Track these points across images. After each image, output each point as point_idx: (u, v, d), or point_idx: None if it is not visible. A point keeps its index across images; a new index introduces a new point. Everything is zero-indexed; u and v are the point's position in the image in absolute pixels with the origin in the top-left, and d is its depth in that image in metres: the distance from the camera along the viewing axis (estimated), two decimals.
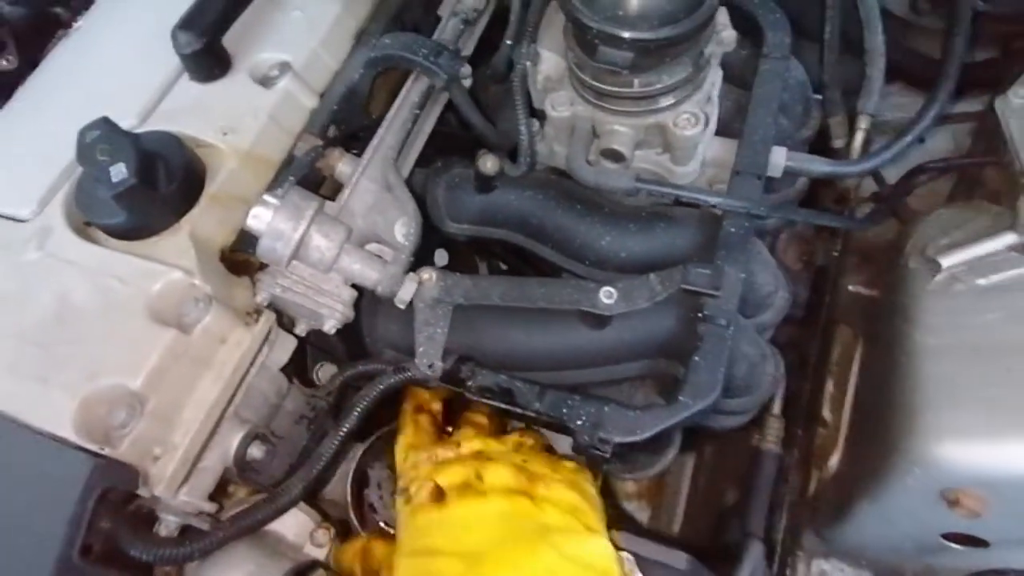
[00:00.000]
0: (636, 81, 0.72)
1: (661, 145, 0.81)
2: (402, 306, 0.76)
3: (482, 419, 0.81)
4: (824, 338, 1.18)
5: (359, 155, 0.80)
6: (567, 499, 0.69)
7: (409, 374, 0.77)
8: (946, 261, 0.88)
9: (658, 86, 0.73)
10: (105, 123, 0.67)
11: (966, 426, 0.78)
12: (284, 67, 0.82)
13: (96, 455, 0.58)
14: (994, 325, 0.82)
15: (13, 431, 0.59)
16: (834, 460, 1.09)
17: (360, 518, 0.80)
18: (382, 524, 0.80)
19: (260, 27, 0.84)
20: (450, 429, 0.81)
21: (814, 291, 1.28)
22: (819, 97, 1.11)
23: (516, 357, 0.81)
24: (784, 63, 0.91)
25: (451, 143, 0.99)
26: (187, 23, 0.75)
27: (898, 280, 0.96)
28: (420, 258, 0.81)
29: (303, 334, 0.77)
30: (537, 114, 0.88)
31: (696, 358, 0.71)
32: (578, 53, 0.74)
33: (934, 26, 1.18)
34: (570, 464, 0.75)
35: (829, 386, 1.15)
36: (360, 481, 0.84)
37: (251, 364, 0.70)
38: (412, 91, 0.83)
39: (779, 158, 0.86)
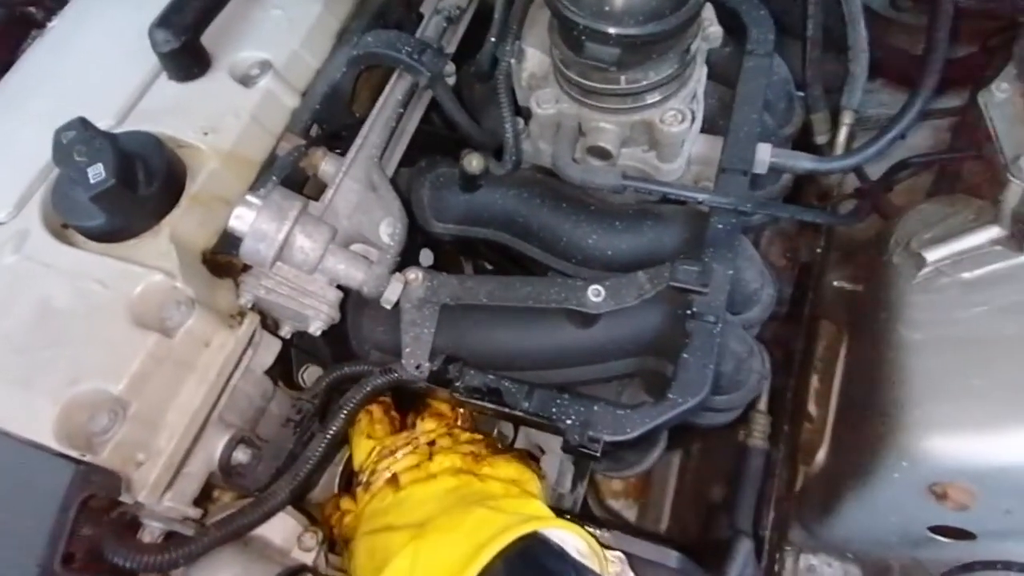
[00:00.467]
0: (623, 78, 0.72)
1: (647, 142, 0.81)
2: (388, 307, 0.75)
3: (444, 408, 0.82)
4: (808, 334, 1.18)
5: (343, 154, 0.79)
6: (509, 472, 0.74)
7: (396, 375, 0.76)
8: (930, 255, 0.89)
9: (644, 83, 0.73)
10: (82, 123, 0.66)
11: (954, 419, 0.78)
12: (265, 66, 0.81)
13: (77, 462, 0.57)
14: (980, 319, 0.83)
15: None
16: (820, 455, 1.09)
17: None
18: None
19: (240, 26, 0.83)
20: (418, 417, 0.81)
21: (798, 287, 1.29)
22: (801, 94, 1.12)
23: (503, 357, 0.80)
24: (768, 60, 0.91)
25: (435, 142, 0.99)
26: (165, 21, 0.73)
27: (883, 275, 0.97)
28: (405, 258, 0.81)
29: (288, 336, 0.76)
30: (522, 112, 0.88)
31: (685, 355, 0.71)
32: (564, 50, 0.74)
33: (914, 23, 1.19)
34: (515, 453, 0.79)
35: (814, 381, 1.16)
36: (348, 482, 0.83)
37: (235, 367, 0.69)
38: (396, 89, 0.83)
39: (764, 155, 0.86)
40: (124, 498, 0.61)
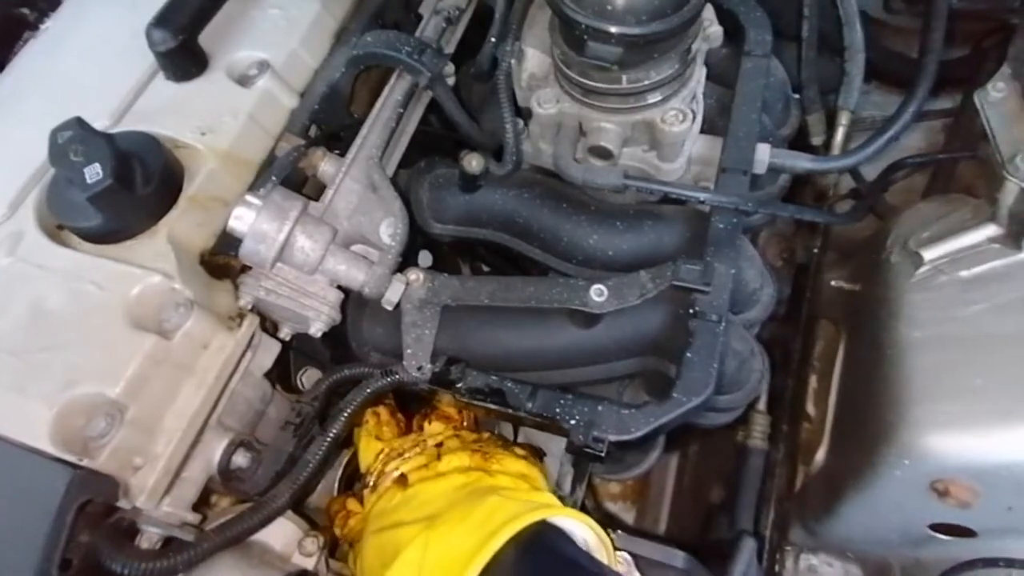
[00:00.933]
0: (624, 77, 0.72)
1: (648, 142, 0.81)
2: (389, 307, 0.75)
3: (451, 411, 0.82)
4: (806, 334, 1.19)
5: (342, 155, 0.78)
6: (517, 467, 0.74)
7: (397, 377, 0.75)
8: (928, 254, 0.90)
9: (646, 82, 0.73)
10: (78, 123, 0.65)
11: (955, 417, 0.79)
12: (263, 66, 0.80)
13: (74, 466, 0.55)
14: (978, 316, 0.83)
15: None
16: (820, 455, 1.09)
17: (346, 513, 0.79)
18: None
19: (237, 25, 0.82)
20: (425, 420, 0.81)
21: (795, 288, 1.29)
22: (797, 96, 1.13)
23: (505, 358, 0.80)
24: (767, 61, 0.92)
25: (433, 144, 0.98)
26: (162, 20, 0.73)
27: (881, 274, 0.97)
28: (404, 260, 0.80)
29: (287, 338, 0.75)
30: (522, 112, 0.88)
31: (689, 354, 0.71)
32: (565, 49, 0.74)
33: (907, 25, 1.20)
34: (521, 451, 0.78)
35: (813, 381, 1.16)
36: (349, 485, 0.82)
37: (234, 370, 0.68)
38: (395, 89, 0.82)
39: (764, 155, 0.86)
40: (122, 503, 0.60)
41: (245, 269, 0.73)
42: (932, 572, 0.95)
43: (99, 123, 0.72)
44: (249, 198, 0.66)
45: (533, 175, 0.91)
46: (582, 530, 0.62)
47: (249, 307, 0.70)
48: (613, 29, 0.66)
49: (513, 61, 0.83)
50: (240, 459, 0.68)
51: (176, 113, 0.75)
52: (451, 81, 0.87)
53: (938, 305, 0.87)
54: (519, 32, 0.83)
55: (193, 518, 0.65)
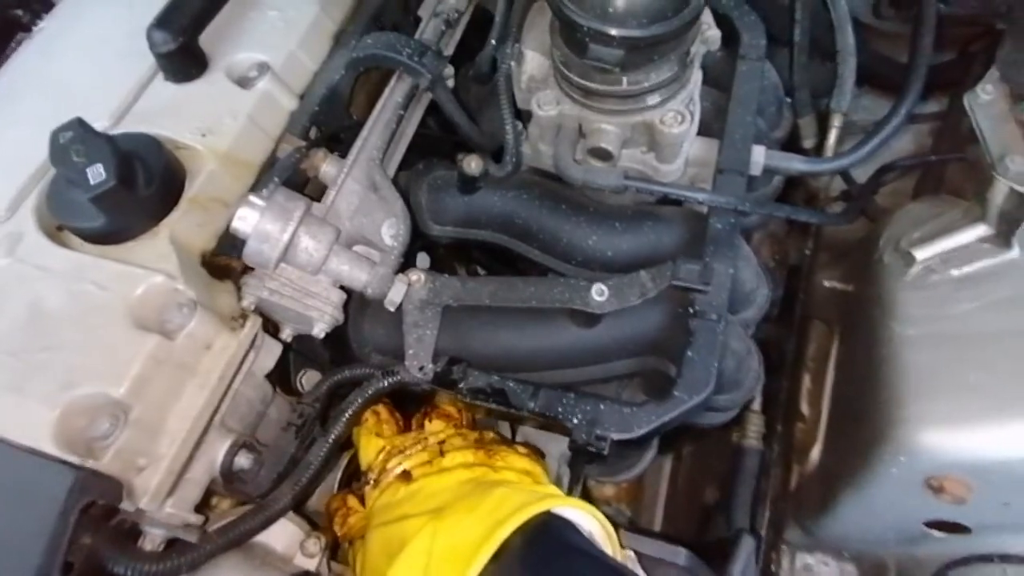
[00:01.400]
0: (624, 79, 0.73)
1: (647, 144, 0.82)
2: (392, 308, 0.75)
3: (452, 409, 0.82)
4: (800, 334, 1.20)
5: (343, 157, 0.78)
6: (521, 464, 0.74)
7: (399, 377, 0.75)
8: (920, 254, 0.91)
9: (646, 84, 0.74)
10: (80, 124, 0.65)
11: (949, 413, 0.80)
12: (262, 68, 0.80)
13: (77, 468, 0.55)
14: (970, 314, 0.85)
15: None
16: (815, 454, 1.10)
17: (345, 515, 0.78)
18: None
19: (237, 27, 0.82)
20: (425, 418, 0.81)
21: (788, 289, 1.31)
22: (789, 100, 1.14)
23: (506, 358, 0.80)
24: (761, 64, 0.93)
25: (432, 146, 0.99)
26: (162, 22, 0.72)
27: (873, 274, 0.98)
28: (403, 263, 0.80)
29: (288, 339, 0.75)
30: (521, 114, 0.88)
31: (689, 353, 0.71)
32: (566, 52, 0.74)
33: (896, 30, 1.22)
34: (523, 448, 0.79)
35: (806, 381, 1.18)
36: (348, 486, 0.82)
37: (237, 371, 0.68)
38: (396, 91, 0.83)
39: (759, 156, 0.88)
40: (125, 505, 0.59)
41: (246, 270, 0.73)
42: (928, 569, 0.97)
43: (99, 124, 0.71)
44: (253, 199, 0.66)
45: (532, 177, 0.92)
46: (588, 521, 0.63)
47: (252, 308, 0.69)
48: (615, 32, 0.66)
49: (513, 63, 0.84)
50: (243, 460, 0.68)
51: (176, 114, 0.75)
52: (450, 83, 0.87)
53: (930, 303, 0.88)
54: (519, 34, 0.84)
55: (196, 520, 0.65)
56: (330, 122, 0.84)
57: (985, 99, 0.86)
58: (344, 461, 0.87)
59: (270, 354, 0.73)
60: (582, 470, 0.95)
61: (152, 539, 0.61)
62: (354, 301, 0.81)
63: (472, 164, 0.84)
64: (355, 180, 0.76)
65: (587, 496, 1.32)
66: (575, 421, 0.69)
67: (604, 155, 0.79)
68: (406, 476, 0.72)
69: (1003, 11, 1.05)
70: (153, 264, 0.65)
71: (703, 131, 0.90)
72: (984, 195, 0.86)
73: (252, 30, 0.83)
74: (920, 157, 1.12)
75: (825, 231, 1.24)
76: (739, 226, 0.80)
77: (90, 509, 0.56)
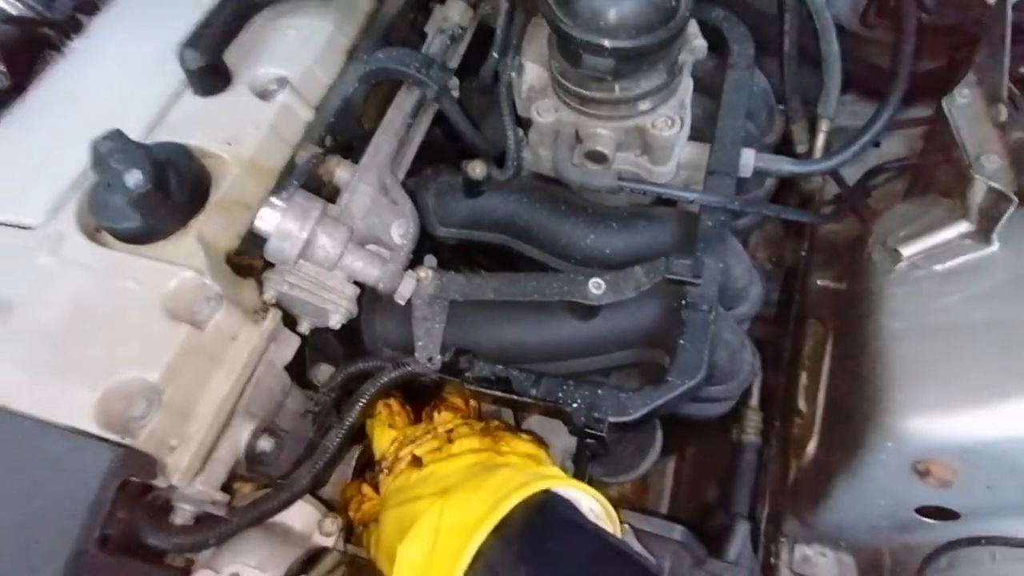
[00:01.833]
0: (617, 87, 0.78)
1: (640, 147, 0.87)
2: (402, 302, 0.80)
3: (459, 402, 0.86)
4: (796, 333, 1.24)
5: (355, 163, 0.84)
6: (525, 448, 0.79)
7: (409, 368, 0.80)
8: (906, 251, 0.95)
9: (637, 91, 0.79)
10: (118, 134, 0.71)
11: (934, 400, 0.83)
12: (282, 81, 0.86)
13: (117, 445, 0.60)
14: (953, 306, 0.89)
15: (32, 428, 0.61)
16: (811, 448, 1.14)
17: (359, 502, 0.83)
18: None
19: (258, 44, 0.88)
20: (434, 411, 0.86)
21: (784, 290, 1.35)
22: (781, 107, 1.19)
23: (510, 350, 0.85)
24: (750, 72, 0.98)
25: (438, 152, 1.04)
26: (192, 41, 0.79)
27: (863, 271, 1.03)
28: (412, 263, 0.85)
29: (306, 332, 0.80)
30: (521, 122, 0.94)
31: (682, 341, 0.76)
32: (562, 63, 0.80)
33: (883, 39, 1.27)
34: (527, 435, 0.83)
35: (803, 378, 1.21)
36: (361, 474, 0.86)
37: (259, 360, 0.73)
38: (404, 101, 0.88)
39: (748, 159, 0.92)
40: (158, 481, 0.64)
41: (266, 268, 0.78)
42: (921, 557, 1.00)
43: (133, 135, 0.76)
44: (274, 200, 0.72)
45: (532, 180, 0.97)
46: (588, 501, 0.67)
47: (273, 301, 0.75)
48: (606, 43, 0.72)
49: (513, 74, 0.89)
50: (264, 444, 0.73)
51: (203, 125, 0.81)
52: (455, 93, 0.93)
53: (916, 297, 0.92)
54: (519, 47, 0.90)
55: (222, 498, 0.70)
56: (344, 131, 0.89)
57: (962, 102, 0.91)
58: (356, 452, 0.91)
59: (289, 346, 0.79)
60: (586, 465, 0.99)
61: (182, 514, 0.66)
62: (366, 299, 0.86)
63: (476, 169, 0.89)
64: (367, 184, 0.81)
65: None
66: (574, 405, 0.74)
67: (600, 158, 0.84)
68: (417, 462, 0.76)
69: (982, 19, 1.10)
70: (183, 261, 0.71)
71: (696, 136, 0.95)
72: (965, 193, 0.91)
73: (272, 47, 0.89)
74: (906, 159, 1.17)
75: (819, 233, 1.28)
76: (728, 224, 0.85)
77: (127, 485, 0.61)
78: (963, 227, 0.92)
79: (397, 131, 0.86)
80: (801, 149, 1.24)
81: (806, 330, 1.24)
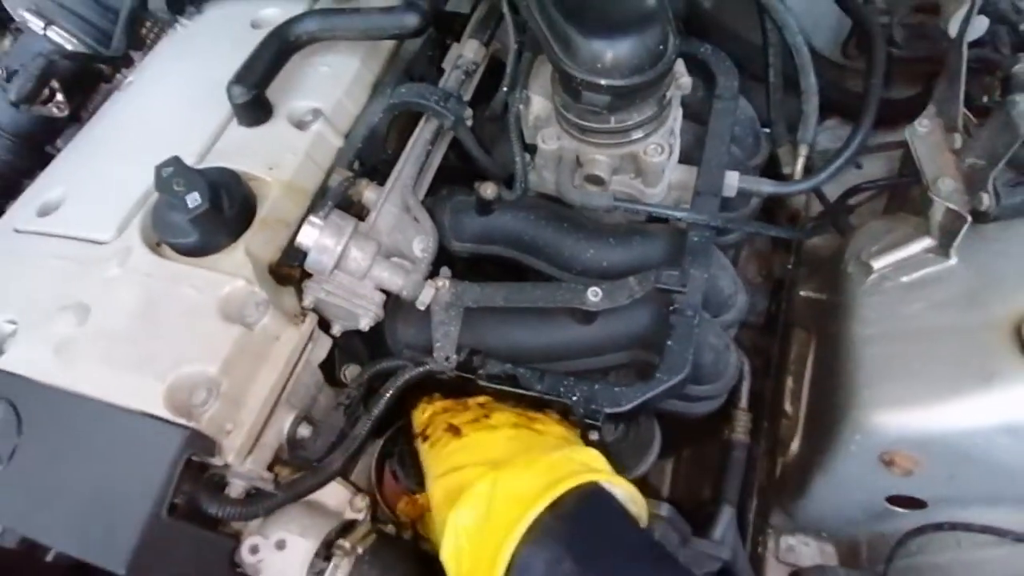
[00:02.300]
0: (612, 119, 0.89)
1: (634, 171, 0.98)
2: (422, 308, 0.90)
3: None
4: (783, 340, 1.34)
5: (381, 184, 0.95)
6: (561, 431, 0.84)
7: (428, 367, 0.90)
8: (876, 264, 1.05)
9: (630, 122, 0.90)
10: (177, 161, 0.82)
11: (897, 397, 0.92)
12: (316, 113, 0.97)
13: (184, 427, 0.71)
14: (916, 314, 0.98)
15: (110, 413, 0.72)
16: (794, 445, 1.23)
17: (381, 490, 0.92)
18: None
19: (295, 80, 0.99)
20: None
21: (773, 301, 1.45)
22: (767, 131, 1.30)
23: (518, 351, 0.95)
24: (734, 102, 1.09)
25: (453, 175, 1.15)
26: (239, 78, 0.90)
27: (839, 283, 1.12)
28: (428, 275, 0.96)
29: (338, 335, 0.90)
30: (528, 148, 1.04)
31: (669, 343, 0.86)
32: (564, 97, 0.91)
33: (861, 68, 1.38)
34: (556, 416, 0.89)
35: (789, 382, 1.30)
36: (381, 462, 0.96)
37: (299, 358, 0.84)
38: (424, 130, 0.99)
39: (733, 180, 1.03)
40: (215, 460, 0.75)
41: (304, 278, 0.89)
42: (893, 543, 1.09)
43: (188, 161, 0.88)
44: (313, 219, 0.83)
45: (538, 200, 1.07)
46: (631, 504, 0.74)
47: (311, 307, 0.85)
48: (603, 82, 0.83)
49: (521, 106, 1.00)
50: (303, 431, 0.83)
51: (248, 152, 0.92)
52: (469, 123, 1.04)
53: (883, 306, 1.02)
54: (526, 82, 1.01)
55: (268, 476, 0.80)
56: (370, 156, 1.00)
57: (922, 131, 1.01)
58: (377, 448, 1.01)
59: (323, 346, 0.89)
60: None
61: (235, 489, 0.76)
62: (389, 306, 0.96)
63: (488, 190, 0.99)
64: (392, 203, 0.92)
65: None
66: (574, 398, 0.84)
67: (597, 181, 0.95)
68: (455, 430, 0.81)
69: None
70: (234, 271, 0.81)
71: (686, 160, 1.05)
72: (927, 212, 1.01)
73: (307, 82, 1.00)
74: (880, 180, 1.27)
75: (805, 248, 1.38)
76: (712, 239, 0.95)
77: (191, 462, 0.72)
78: (926, 243, 1.02)
79: (418, 157, 0.97)
80: (787, 170, 1.33)
81: (792, 338, 1.34)
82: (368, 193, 0.93)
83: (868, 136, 1.09)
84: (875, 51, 1.12)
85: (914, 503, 1.02)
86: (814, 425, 1.18)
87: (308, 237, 0.82)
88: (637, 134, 0.92)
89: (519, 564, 0.64)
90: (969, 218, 0.92)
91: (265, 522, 0.78)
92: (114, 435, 0.72)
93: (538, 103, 1.01)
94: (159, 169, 0.81)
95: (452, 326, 0.91)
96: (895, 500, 1.04)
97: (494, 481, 0.69)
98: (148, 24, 1.21)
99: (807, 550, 1.22)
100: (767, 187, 1.05)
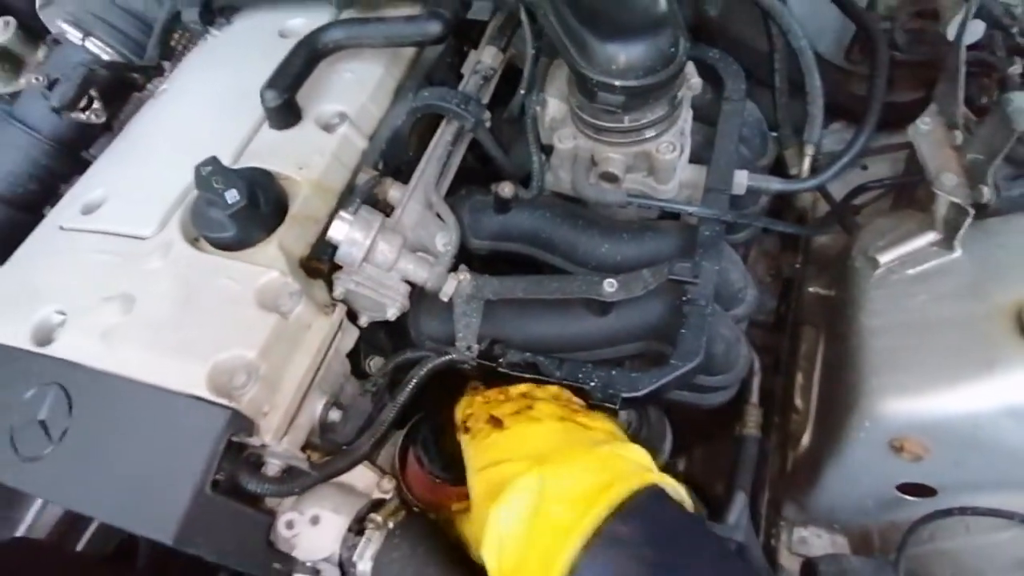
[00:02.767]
0: (626, 118, 0.93)
1: (646, 169, 1.02)
2: (445, 299, 0.94)
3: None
4: (792, 337, 1.37)
5: (405, 183, 0.99)
6: (607, 426, 0.81)
7: (451, 356, 0.94)
8: (883, 258, 1.09)
9: (643, 121, 0.94)
10: (215, 160, 0.86)
11: (904, 384, 0.96)
12: (342, 116, 1.02)
13: (227, 408, 0.75)
14: (921, 305, 1.02)
15: (157, 394, 0.76)
16: (805, 439, 1.26)
17: (404, 476, 0.96)
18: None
19: (322, 85, 1.04)
20: None
21: (782, 300, 1.48)
22: (775, 134, 1.34)
23: (536, 342, 0.98)
24: (742, 104, 1.13)
25: (470, 176, 1.20)
26: (272, 83, 0.95)
27: (847, 278, 1.16)
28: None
29: (365, 325, 0.94)
30: (544, 148, 1.09)
31: (683, 331, 0.90)
32: (580, 98, 0.95)
33: (865, 72, 1.42)
34: (599, 411, 0.86)
35: (799, 378, 1.34)
36: (405, 449, 1.00)
37: (329, 346, 0.88)
38: (445, 132, 1.04)
39: (742, 179, 1.07)
40: (253, 440, 0.79)
41: (332, 271, 0.93)
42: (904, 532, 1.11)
43: (224, 162, 0.93)
44: (344, 214, 0.87)
45: (554, 199, 1.12)
46: (680, 497, 0.71)
47: (341, 297, 0.90)
48: (617, 83, 0.87)
49: (538, 108, 1.05)
50: (334, 415, 0.87)
51: (279, 153, 0.97)
52: (487, 125, 1.09)
53: (890, 298, 1.06)
54: (543, 85, 1.06)
55: (302, 457, 0.84)
56: (393, 157, 1.05)
57: (924, 129, 1.05)
58: (399, 438, 1.05)
59: (351, 336, 0.93)
60: None
61: (272, 467, 0.80)
62: (413, 301, 1.00)
63: (505, 189, 1.04)
64: (416, 201, 0.96)
65: None
66: (592, 384, 0.88)
67: (612, 178, 0.99)
68: (496, 422, 0.77)
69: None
70: (269, 264, 0.86)
71: (696, 160, 1.09)
72: (931, 207, 1.05)
73: (333, 87, 1.05)
74: (884, 179, 1.30)
75: (813, 247, 1.42)
76: (723, 233, 0.99)
77: (232, 441, 0.76)
78: (931, 236, 1.05)
79: (439, 157, 1.01)
80: (794, 171, 1.37)
81: (802, 334, 1.37)
82: (393, 191, 0.97)
83: (872, 135, 1.13)
84: (878, 54, 1.16)
85: (924, 491, 1.05)
86: (824, 418, 1.21)
87: (339, 231, 0.86)
88: (650, 133, 0.97)
89: (581, 571, 0.60)
90: (972, 211, 0.96)
91: (299, 500, 0.82)
92: (160, 415, 0.76)
93: (554, 105, 1.06)
94: (199, 168, 0.86)
95: (473, 317, 0.95)
96: (905, 488, 1.07)
97: (541, 476, 0.65)
98: (177, 35, 1.27)
99: (819, 541, 1.25)
100: (775, 185, 1.09)
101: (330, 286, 0.92)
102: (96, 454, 0.76)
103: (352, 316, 0.95)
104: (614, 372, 0.89)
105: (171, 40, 1.25)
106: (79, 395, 0.78)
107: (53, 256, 0.93)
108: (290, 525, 0.80)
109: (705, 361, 0.97)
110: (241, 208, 0.84)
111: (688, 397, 1.11)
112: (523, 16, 1.02)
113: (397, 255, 0.89)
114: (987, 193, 0.93)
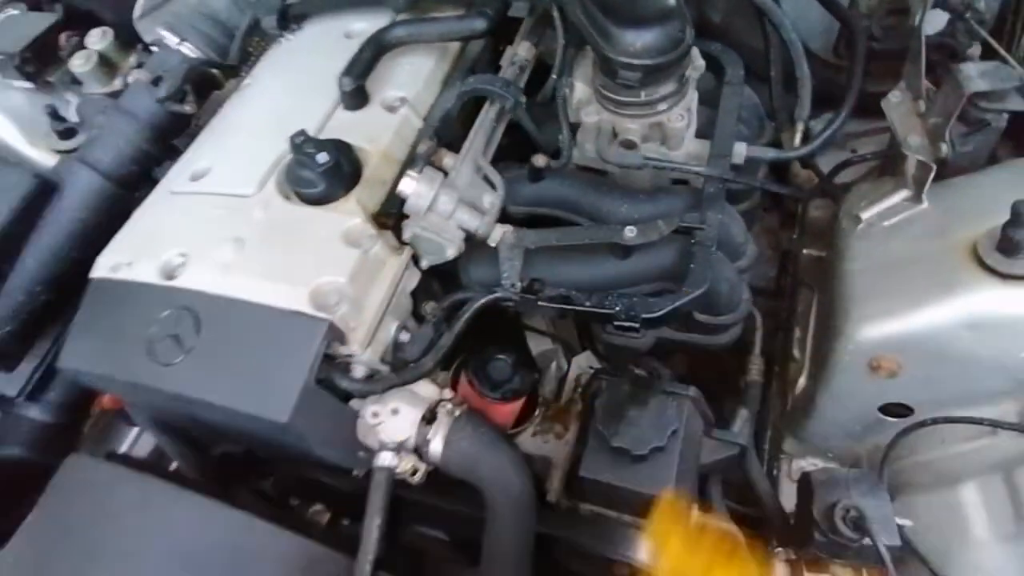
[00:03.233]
0: (643, 93, 1.13)
1: (660, 138, 1.21)
2: (493, 244, 1.13)
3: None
4: (791, 297, 1.55)
5: (457, 153, 1.19)
6: None
7: (497, 294, 1.13)
8: (864, 215, 1.27)
9: (657, 95, 1.14)
10: (303, 132, 1.06)
11: (880, 310, 1.13)
12: (402, 100, 1.22)
13: (325, 320, 0.94)
14: (896, 248, 1.20)
15: (269, 312, 0.96)
16: (802, 380, 1.43)
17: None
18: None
19: (386, 74, 1.25)
20: None
21: (782, 270, 1.67)
22: (772, 121, 1.53)
23: (569, 283, 1.17)
24: (740, 87, 1.32)
25: (505, 153, 1.39)
26: (348, 71, 1.16)
27: (835, 236, 1.34)
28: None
29: (426, 268, 1.13)
30: (571, 126, 1.28)
31: (692, 265, 1.08)
32: (603, 78, 1.15)
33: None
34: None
35: (797, 332, 1.52)
36: (456, 373, 1.17)
37: (399, 281, 1.07)
38: (490, 111, 1.23)
39: (741, 149, 1.25)
40: (343, 349, 0.97)
41: (397, 224, 1.12)
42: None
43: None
44: (411, 173, 1.06)
45: (580, 170, 1.31)
46: None
47: (409, 240, 1.09)
48: (635, 62, 1.07)
49: (567, 90, 1.25)
50: (403, 336, 1.06)
51: (353, 130, 1.16)
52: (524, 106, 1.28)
53: (870, 246, 1.24)
54: (571, 71, 1.26)
55: (382, 366, 1.02)
56: (445, 135, 1.24)
57: (894, 101, 1.24)
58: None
59: (414, 277, 1.12)
60: None
61: (358, 371, 0.99)
62: (463, 252, 1.19)
63: (540, 160, 1.23)
64: (466, 165, 1.16)
65: None
66: (616, 309, 1.06)
67: (630, 145, 1.19)
68: None
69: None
70: (350, 213, 1.05)
71: (702, 135, 1.28)
72: (902, 167, 1.23)
73: (394, 75, 1.25)
74: (866, 154, 1.50)
75: (808, 220, 1.61)
76: (724, 189, 1.18)
77: (328, 347, 0.95)
78: (903, 193, 1.24)
79: (486, 131, 1.21)
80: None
81: (799, 294, 1.55)
82: (447, 159, 1.17)
83: (852, 108, 1.31)
84: (857, 43, 1.35)
85: (903, 410, 1.22)
86: (817, 360, 1.38)
87: (408, 186, 1.06)
88: (662, 106, 1.16)
89: None
90: (934, 165, 1.14)
91: (380, 397, 1.00)
92: (272, 328, 0.95)
93: (580, 89, 1.26)
94: (293, 137, 1.05)
95: (516, 261, 1.14)
96: (886, 410, 1.24)
97: None
98: (255, 40, 1.48)
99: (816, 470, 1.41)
100: (770, 153, 1.28)
101: (397, 237, 1.11)
102: (222, 359, 0.95)
103: (415, 261, 1.14)
104: (635, 298, 1.07)
105: (249, 45, 1.46)
106: (206, 316, 0.97)
107: (170, 214, 1.13)
108: (375, 415, 0.98)
109: (711, 301, 1.15)
110: (329, 167, 1.03)
111: (699, 339, 1.29)
112: (555, 11, 1.22)
113: (454, 206, 1.08)
114: (944, 148, 1.11)
